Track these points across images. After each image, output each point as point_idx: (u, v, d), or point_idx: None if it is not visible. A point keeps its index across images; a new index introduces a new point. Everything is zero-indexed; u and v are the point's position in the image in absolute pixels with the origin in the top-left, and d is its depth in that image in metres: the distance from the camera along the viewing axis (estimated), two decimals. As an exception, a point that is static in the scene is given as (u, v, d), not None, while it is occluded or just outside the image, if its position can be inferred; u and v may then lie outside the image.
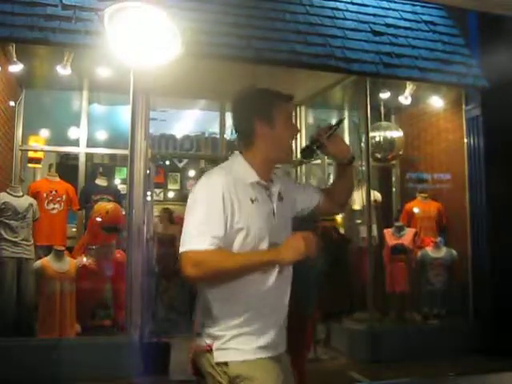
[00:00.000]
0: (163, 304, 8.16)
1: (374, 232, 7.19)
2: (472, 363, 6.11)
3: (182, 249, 1.94)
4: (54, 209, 6.67)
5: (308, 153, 2.16)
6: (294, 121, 2.17)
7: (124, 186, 7.57)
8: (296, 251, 1.91)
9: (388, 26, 7.02)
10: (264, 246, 2.03)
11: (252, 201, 2.04)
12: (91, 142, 7.65)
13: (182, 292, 9.52)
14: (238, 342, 2.01)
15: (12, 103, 6.99)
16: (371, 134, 7.27)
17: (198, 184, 2.07)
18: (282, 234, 2.10)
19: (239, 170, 2.08)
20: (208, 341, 2.04)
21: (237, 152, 2.16)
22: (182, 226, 2.01)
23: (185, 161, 13.81)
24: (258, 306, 2.04)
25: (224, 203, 1.96)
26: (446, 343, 6.33)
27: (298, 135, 8.44)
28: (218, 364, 2.00)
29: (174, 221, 8.87)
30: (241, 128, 2.15)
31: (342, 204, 2.52)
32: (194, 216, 1.98)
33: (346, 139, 8.72)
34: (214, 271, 1.92)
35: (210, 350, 2.03)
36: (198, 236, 1.92)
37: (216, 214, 1.95)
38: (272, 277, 2.06)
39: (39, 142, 7.48)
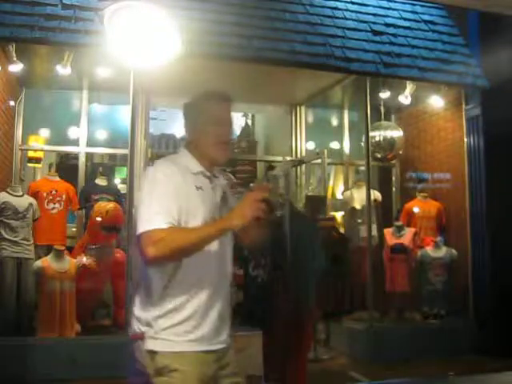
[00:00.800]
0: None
1: (374, 232, 7.20)
2: (472, 363, 6.12)
3: (140, 231, 1.98)
4: (53, 208, 6.67)
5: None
6: (226, 120, 2.21)
7: (124, 186, 7.58)
8: (243, 214, 1.95)
9: (388, 25, 7.02)
10: (211, 246, 2.07)
11: (197, 188, 2.11)
12: (91, 142, 7.65)
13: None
14: (170, 332, 2.04)
15: (12, 103, 6.99)
16: (371, 134, 7.27)
17: (148, 173, 2.15)
18: (228, 236, 2.19)
19: (184, 160, 2.18)
20: (142, 328, 2.08)
21: (182, 147, 2.27)
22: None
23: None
24: (196, 293, 2.07)
25: (175, 187, 2.04)
26: (446, 343, 6.33)
27: (297, 134, 8.46)
28: (148, 352, 2.04)
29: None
30: (184, 127, 2.29)
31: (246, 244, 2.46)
32: (147, 200, 2.03)
33: (346, 139, 8.74)
34: (173, 248, 1.94)
35: (142, 338, 2.07)
36: (155, 216, 1.97)
37: (169, 196, 2.01)
38: (210, 263, 2.10)
39: (39, 142, 7.49)
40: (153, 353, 2.03)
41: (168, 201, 2.01)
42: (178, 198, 2.02)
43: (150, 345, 2.04)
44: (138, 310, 2.15)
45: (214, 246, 2.08)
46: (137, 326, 2.11)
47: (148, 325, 2.07)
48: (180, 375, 1.99)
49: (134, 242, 2.06)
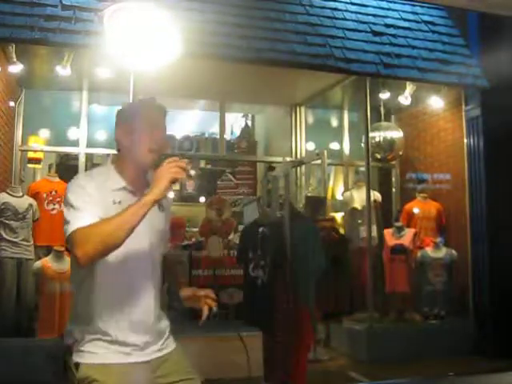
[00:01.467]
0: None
1: (374, 232, 7.19)
2: (471, 363, 6.12)
3: (65, 236, 1.97)
4: (53, 209, 6.67)
5: None
6: (158, 120, 2.23)
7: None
8: (161, 180, 1.94)
9: (388, 26, 7.02)
10: (123, 248, 1.99)
11: (114, 202, 2.08)
12: (91, 143, 7.64)
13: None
14: (93, 344, 2.04)
15: (12, 103, 6.98)
16: (371, 135, 7.27)
17: (67, 186, 2.14)
18: (146, 238, 2.14)
19: (103, 176, 2.15)
20: (70, 340, 2.09)
21: (109, 161, 2.25)
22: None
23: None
24: (112, 304, 2.06)
25: (92, 197, 2.03)
26: (446, 343, 6.33)
27: (297, 134, 8.47)
28: (74, 364, 2.05)
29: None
30: (115, 135, 2.24)
31: None
32: (67, 209, 2.02)
33: (346, 140, 8.75)
34: (98, 241, 1.90)
35: (71, 350, 2.07)
36: (75, 219, 1.96)
37: (86, 202, 2.00)
38: (122, 271, 2.08)
39: (39, 143, 7.48)
40: (77, 365, 2.03)
41: (86, 205, 1.99)
42: (95, 206, 2.01)
43: (76, 357, 2.05)
44: (68, 323, 2.15)
45: (126, 252, 2.04)
46: (66, 338, 2.11)
47: (73, 337, 2.07)
48: None
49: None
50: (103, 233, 1.90)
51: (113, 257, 1.99)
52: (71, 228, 1.94)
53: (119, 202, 2.08)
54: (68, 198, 2.05)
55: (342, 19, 6.85)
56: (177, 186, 14.28)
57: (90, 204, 2.00)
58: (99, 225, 1.93)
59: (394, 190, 8.81)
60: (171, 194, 2.28)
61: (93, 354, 2.03)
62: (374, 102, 7.33)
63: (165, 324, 2.26)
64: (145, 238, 2.13)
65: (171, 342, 2.26)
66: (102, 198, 2.05)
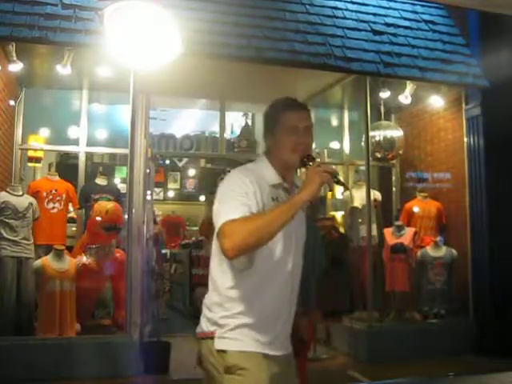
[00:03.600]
0: (163, 303, 8.18)
1: (374, 231, 7.20)
2: (471, 363, 6.13)
3: (216, 229, 2.00)
4: (53, 208, 6.67)
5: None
6: (301, 126, 2.20)
7: (124, 186, 7.58)
8: (311, 184, 1.97)
9: (388, 25, 7.02)
10: (279, 243, 2.09)
11: (273, 199, 2.12)
12: (91, 141, 7.65)
13: (181, 291, 9.56)
14: (240, 332, 2.07)
15: (12, 102, 6.99)
16: (371, 134, 7.27)
17: (226, 177, 2.19)
18: (297, 235, 2.22)
19: (263, 171, 2.19)
20: (212, 328, 2.10)
21: (262, 154, 2.29)
22: (164, 226, 2.05)
23: (185, 160, 13.83)
24: (263, 295, 2.10)
25: (252, 188, 2.06)
26: (446, 343, 6.33)
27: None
28: (218, 351, 2.07)
29: (156, 221, 8.91)
30: (263, 136, 2.32)
31: None
32: (222, 199, 2.06)
33: (346, 139, 8.75)
34: (247, 236, 1.92)
35: (211, 337, 2.09)
36: (228, 210, 1.99)
37: (243, 195, 2.03)
38: (277, 266, 2.12)
39: (39, 141, 7.48)
40: (222, 352, 2.06)
41: (242, 198, 2.02)
42: (251, 200, 2.03)
43: (219, 344, 2.07)
44: (206, 310, 2.17)
45: (280, 247, 2.11)
46: (205, 325, 2.14)
47: (216, 324, 2.10)
48: (249, 374, 2.03)
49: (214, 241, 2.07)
50: (253, 227, 1.92)
51: (271, 252, 2.08)
52: (222, 220, 1.96)
53: (276, 199, 2.13)
54: (222, 190, 2.10)
55: (342, 18, 6.85)
56: (177, 185, 14.32)
57: (246, 198, 2.02)
58: (250, 219, 1.96)
59: (394, 189, 8.81)
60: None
61: (239, 342, 2.06)
62: (374, 101, 7.33)
63: (291, 323, 2.28)
64: (295, 239, 2.20)
65: (290, 345, 2.29)
66: (262, 192, 2.09)
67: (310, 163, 2.10)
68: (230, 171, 2.28)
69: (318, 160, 2.07)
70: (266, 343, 2.09)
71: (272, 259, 2.09)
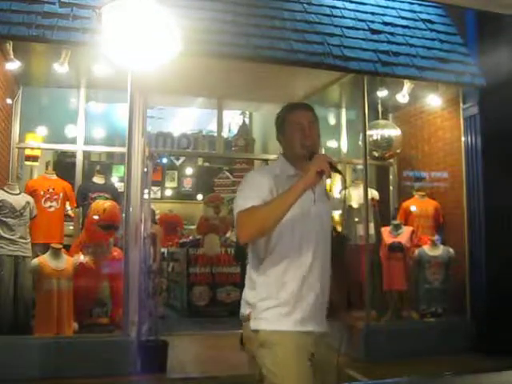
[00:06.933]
0: (161, 301, 8.18)
1: (372, 230, 7.20)
2: (469, 361, 6.13)
3: (235, 219, 2.25)
4: (51, 207, 6.67)
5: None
6: (305, 122, 2.52)
7: (121, 184, 7.57)
8: (311, 171, 2.17)
9: (386, 24, 7.02)
10: (297, 228, 2.33)
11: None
12: (88, 140, 7.64)
13: (179, 289, 9.56)
14: (271, 313, 2.30)
15: (9, 101, 6.97)
16: (369, 132, 7.27)
17: (245, 176, 2.49)
18: (325, 219, 2.48)
19: (281, 166, 2.47)
20: (248, 310, 2.38)
21: (280, 156, 2.56)
22: (162, 225, 2.18)
23: (182, 159, 13.85)
24: (291, 277, 2.32)
25: (267, 184, 2.30)
26: (443, 342, 6.34)
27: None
28: (253, 331, 2.33)
29: (156, 221, 8.91)
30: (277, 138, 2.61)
31: None
32: (241, 192, 2.33)
33: (344, 137, 8.75)
34: (254, 223, 2.18)
35: (249, 318, 2.36)
36: (244, 201, 2.24)
37: (261, 186, 2.29)
38: (302, 248, 2.34)
39: (36, 140, 7.47)
40: (256, 331, 2.32)
41: (260, 190, 2.26)
42: (267, 193, 2.26)
43: (254, 324, 2.33)
44: (244, 293, 2.45)
45: (300, 231, 2.34)
46: (244, 309, 2.41)
47: (252, 307, 2.36)
48: (280, 348, 2.26)
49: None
50: (260, 215, 2.17)
51: (297, 237, 2.33)
52: (238, 209, 2.23)
53: None
54: (241, 186, 2.36)
55: (340, 17, 6.85)
56: (174, 183, 14.33)
57: (260, 192, 2.26)
58: (258, 208, 2.19)
59: (391, 187, 8.81)
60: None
61: (272, 322, 2.30)
62: (371, 100, 7.32)
63: (326, 302, 2.48)
64: (322, 219, 2.44)
65: (326, 324, 2.47)
66: (278, 187, 2.30)
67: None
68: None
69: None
70: (297, 321, 2.30)
71: (292, 243, 2.33)
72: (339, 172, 2.32)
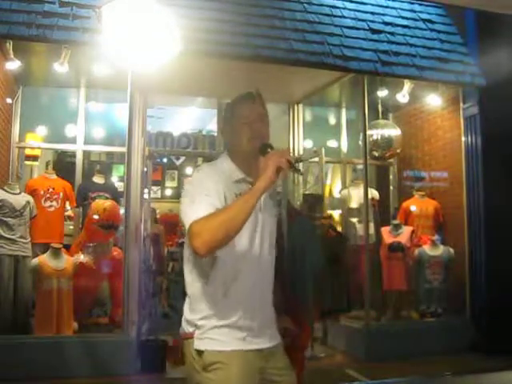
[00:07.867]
0: (160, 301, 8.17)
1: (372, 230, 7.20)
2: (468, 362, 6.13)
3: (186, 228, 2.02)
4: (51, 206, 6.67)
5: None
6: (253, 114, 2.29)
7: (121, 184, 7.57)
8: (269, 168, 1.97)
9: (386, 23, 7.02)
10: (244, 237, 2.11)
11: (236, 195, 2.13)
12: (88, 140, 7.63)
13: (178, 289, 9.55)
14: (216, 332, 2.13)
15: (9, 100, 6.97)
16: (369, 132, 7.27)
17: (191, 176, 2.27)
18: (267, 227, 2.24)
19: (225, 168, 2.24)
20: (191, 329, 2.18)
21: (224, 152, 2.34)
22: (162, 225, 2.07)
23: (182, 158, 13.82)
24: (234, 293, 2.14)
25: (216, 186, 2.09)
26: (443, 341, 6.33)
27: (294, 132, 8.46)
28: (197, 351, 2.14)
29: (157, 220, 8.90)
30: (222, 133, 2.43)
31: None
32: (187, 198, 2.10)
33: (344, 137, 8.76)
34: (214, 232, 1.93)
35: (191, 338, 2.16)
36: (194, 209, 2.01)
37: (209, 192, 2.07)
38: (245, 261, 2.15)
39: (36, 140, 7.47)
40: (200, 351, 2.14)
41: (207, 197, 2.04)
42: (215, 197, 2.05)
43: (198, 344, 2.14)
44: (186, 312, 2.25)
45: (247, 241, 2.14)
46: (186, 328, 2.22)
47: (195, 326, 2.17)
48: (223, 372, 2.09)
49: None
50: (219, 223, 1.93)
51: (235, 247, 2.09)
52: (189, 220, 1.99)
53: (240, 194, 2.13)
54: (187, 190, 2.15)
55: (340, 17, 6.85)
56: (174, 183, 14.32)
57: (209, 196, 2.05)
58: (215, 215, 1.96)
59: (391, 187, 8.82)
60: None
61: (216, 341, 2.12)
62: (371, 99, 7.32)
63: (273, 315, 2.32)
64: (263, 228, 2.22)
65: (277, 336, 2.33)
66: (226, 190, 2.11)
67: (269, 151, 2.09)
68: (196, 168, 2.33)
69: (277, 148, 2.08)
70: (242, 339, 2.14)
71: (235, 256, 2.12)
72: (298, 171, 2.11)
